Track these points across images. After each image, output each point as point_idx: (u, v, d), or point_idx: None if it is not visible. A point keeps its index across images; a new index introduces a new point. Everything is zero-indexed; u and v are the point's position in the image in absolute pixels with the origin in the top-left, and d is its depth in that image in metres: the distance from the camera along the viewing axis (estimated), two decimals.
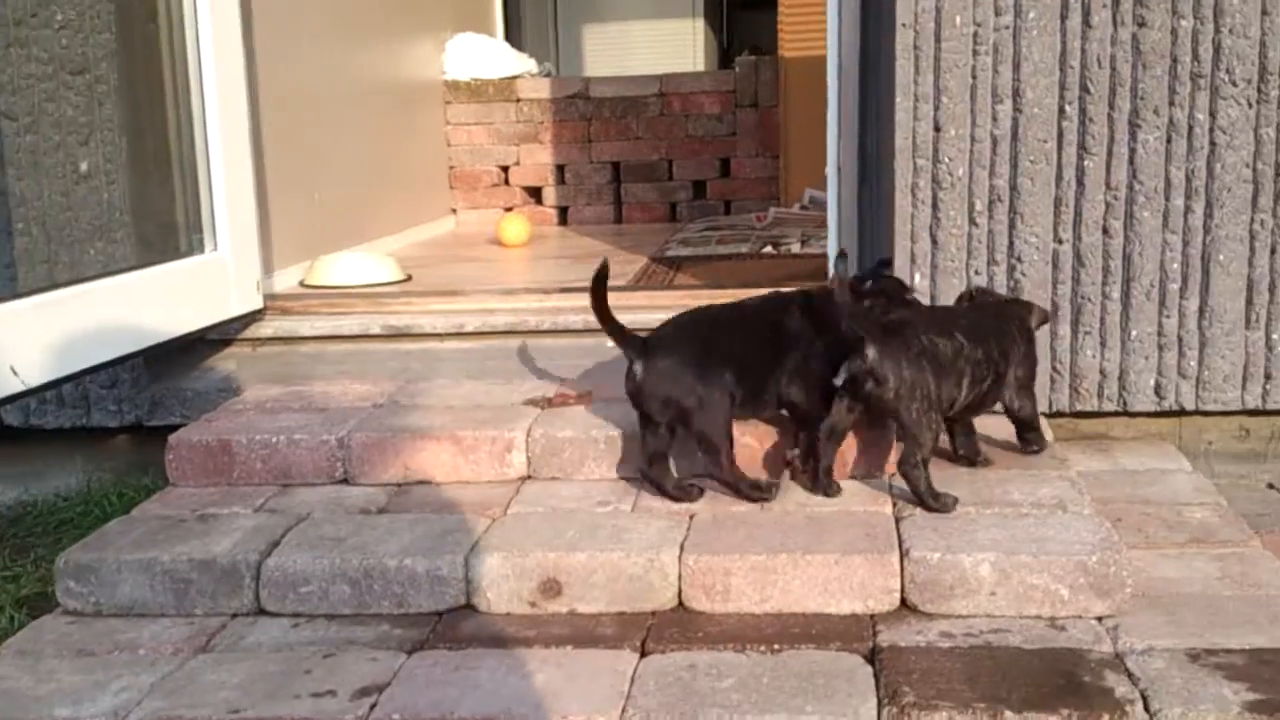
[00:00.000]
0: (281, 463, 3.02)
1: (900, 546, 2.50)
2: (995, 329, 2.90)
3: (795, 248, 5.30)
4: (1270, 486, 3.38)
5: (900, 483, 2.76)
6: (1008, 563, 2.43)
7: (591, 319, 2.80)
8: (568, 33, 9.04)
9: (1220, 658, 2.23)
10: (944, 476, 2.81)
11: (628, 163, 6.79)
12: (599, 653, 2.34)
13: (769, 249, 5.37)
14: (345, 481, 3.02)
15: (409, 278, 4.67)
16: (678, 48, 8.90)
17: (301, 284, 4.40)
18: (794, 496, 2.80)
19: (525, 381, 3.38)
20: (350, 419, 3.15)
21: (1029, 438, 3.03)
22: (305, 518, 2.80)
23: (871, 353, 2.65)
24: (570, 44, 9.04)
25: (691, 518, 2.71)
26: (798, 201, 6.47)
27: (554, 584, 2.50)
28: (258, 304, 3.77)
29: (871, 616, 2.45)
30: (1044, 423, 3.23)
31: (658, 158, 6.77)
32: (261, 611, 2.57)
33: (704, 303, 3.05)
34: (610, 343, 2.83)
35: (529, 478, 2.98)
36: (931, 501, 2.69)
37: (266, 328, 3.73)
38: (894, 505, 2.74)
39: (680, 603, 2.50)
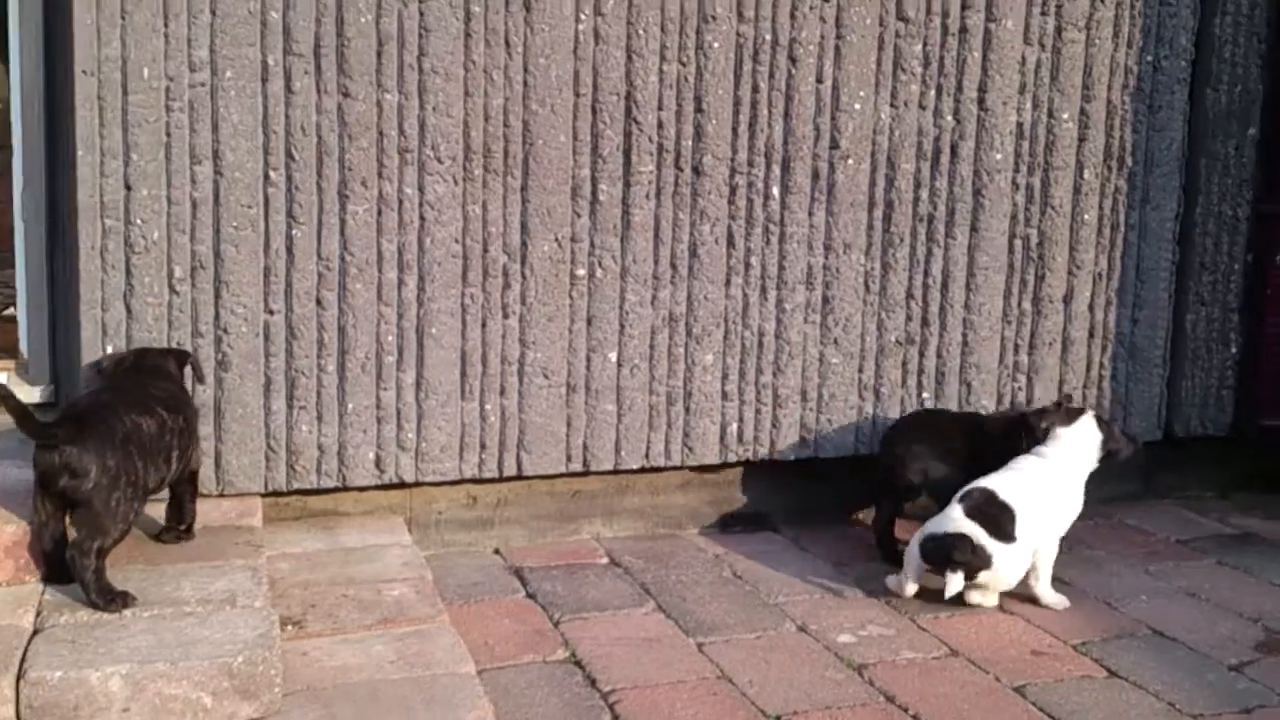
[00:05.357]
0: None
1: (20, 666, 2.17)
2: (182, 396, 2.84)
3: None
4: (496, 552, 3.46)
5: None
6: (142, 673, 2.19)
7: None
8: None
9: None
10: (123, 572, 2.57)
11: None
12: None
13: (11, 310, 4.77)
14: None
15: None
16: None
17: None
18: None
19: None
20: None
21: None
22: None
23: (68, 447, 2.42)
24: None
25: None
26: None
27: None
28: None
29: None
30: (260, 503, 3.09)
31: None
32: None
33: None
34: None
35: None
36: (99, 600, 2.42)
37: None
38: (38, 615, 2.39)
39: None
